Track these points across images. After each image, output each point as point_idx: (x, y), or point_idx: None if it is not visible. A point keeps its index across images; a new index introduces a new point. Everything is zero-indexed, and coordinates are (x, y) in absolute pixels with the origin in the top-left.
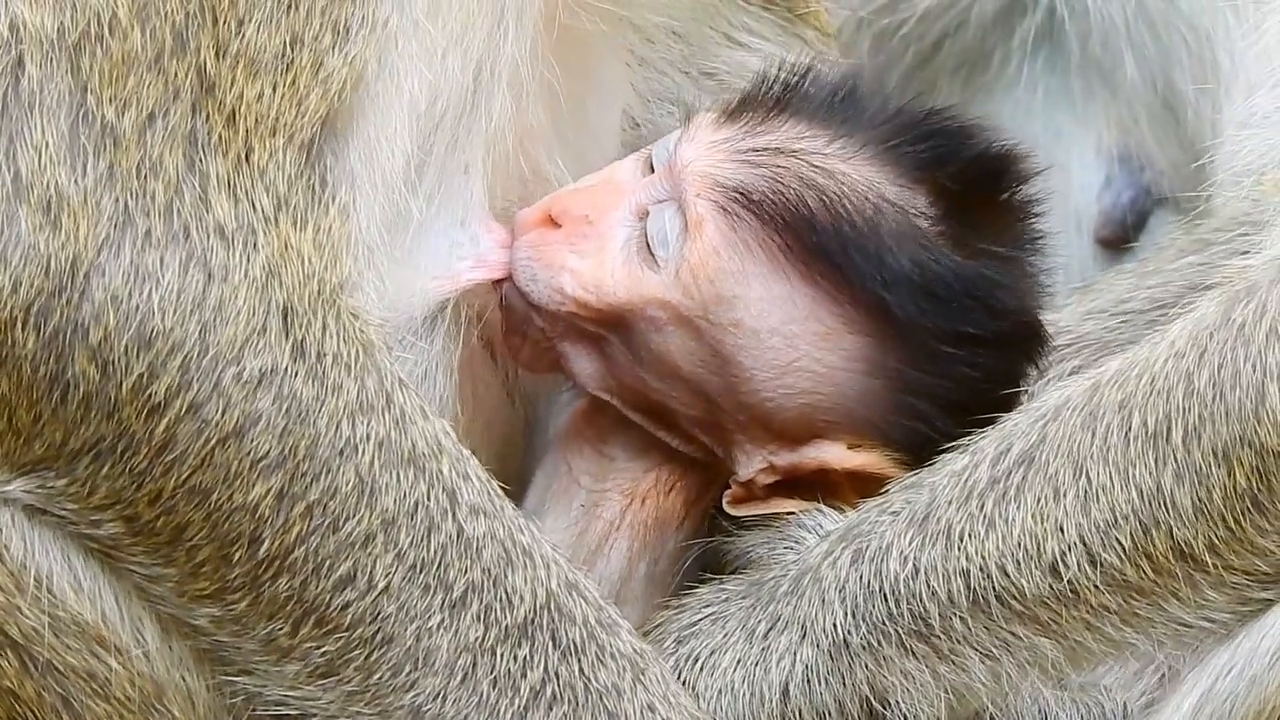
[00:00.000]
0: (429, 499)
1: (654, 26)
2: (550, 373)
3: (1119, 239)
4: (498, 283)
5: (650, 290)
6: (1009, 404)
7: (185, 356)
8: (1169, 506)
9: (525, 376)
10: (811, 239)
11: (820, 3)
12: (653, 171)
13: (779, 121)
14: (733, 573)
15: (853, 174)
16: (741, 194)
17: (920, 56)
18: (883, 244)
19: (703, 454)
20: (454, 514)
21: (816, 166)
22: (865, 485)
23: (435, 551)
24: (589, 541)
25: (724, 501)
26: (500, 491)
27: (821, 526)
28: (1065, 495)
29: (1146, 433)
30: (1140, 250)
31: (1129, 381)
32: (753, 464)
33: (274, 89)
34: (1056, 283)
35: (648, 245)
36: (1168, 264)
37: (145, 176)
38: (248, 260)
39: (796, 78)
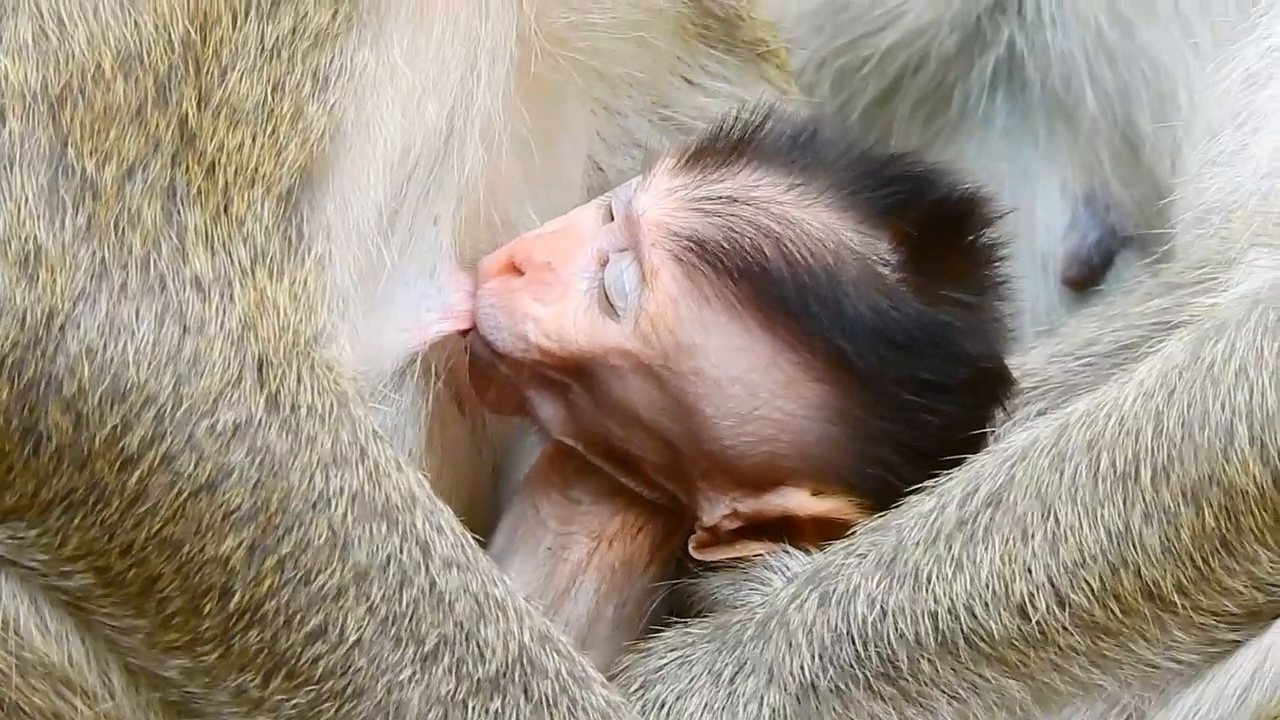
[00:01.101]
0: (402, 552)
1: (618, 75)
2: (517, 415)
3: (1086, 280)
4: (463, 333)
5: (611, 339)
6: (976, 446)
7: (159, 409)
8: (1137, 547)
9: (493, 427)
10: (768, 288)
11: (780, 42)
12: (613, 219)
13: (736, 168)
14: (699, 615)
15: (811, 221)
16: (696, 243)
17: (881, 95)
18: (841, 292)
19: (667, 500)
20: (427, 567)
21: (773, 214)
22: (830, 530)
23: (408, 605)
24: (556, 584)
25: (690, 547)
26: (473, 543)
27: (788, 568)
28: (1033, 536)
29: (1115, 473)
30: (1107, 291)
31: (1097, 421)
32: (717, 510)
33: (254, 139)
34: (1022, 325)
35: (606, 295)
36: (1133, 307)
37: (123, 229)
38: (224, 313)
39: (755, 122)
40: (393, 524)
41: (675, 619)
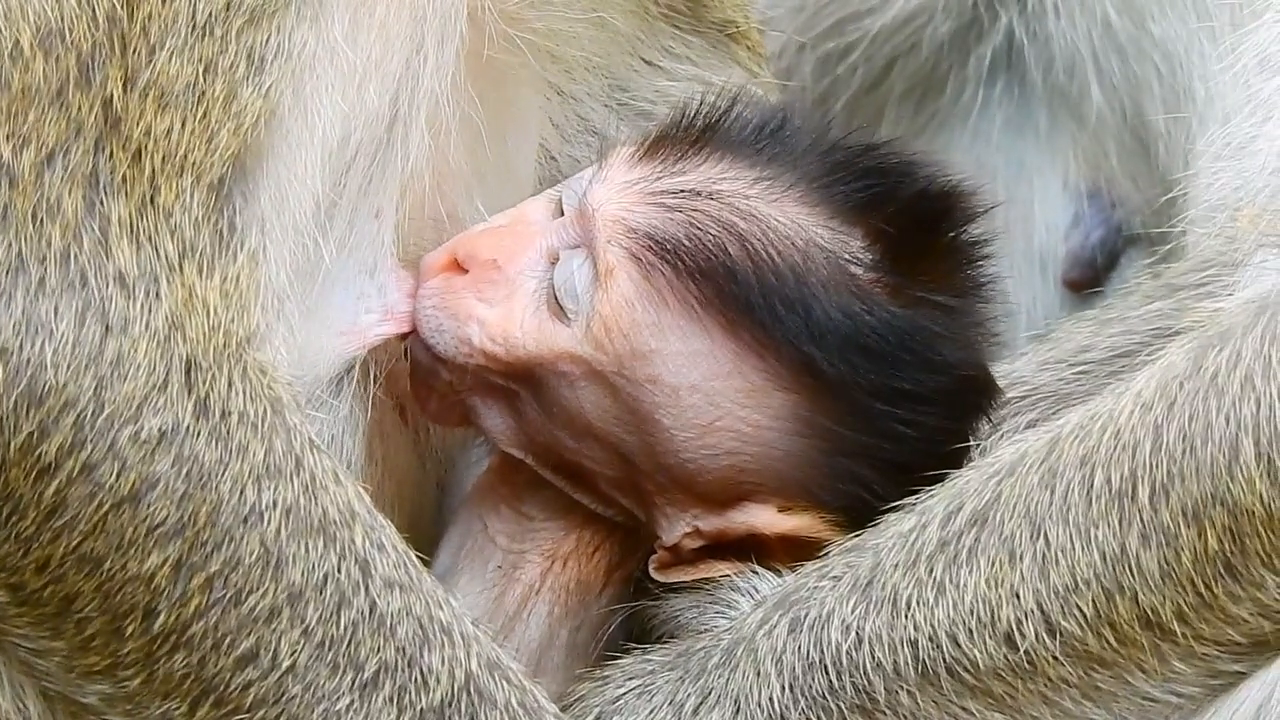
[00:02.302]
0: (340, 571)
1: (574, 57)
2: (461, 426)
3: (1088, 281)
4: (403, 336)
5: (560, 344)
6: (959, 461)
7: (79, 414)
8: (1134, 570)
9: (437, 438)
10: (731, 289)
11: (752, 23)
12: (563, 213)
13: (699, 158)
14: (659, 640)
15: (779, 216)
16: (655, 241)
17: (868, 82)
18: (810, 294)
19: (623, 517)
20: (367, 588)
21: (738, 209)
22: (801, 550)
23: (345, 628)
24: (507, 606)
25: (650, 567)
26: (418, 563)
27: (756, 591)
28: (1021, 558)
29: (1110, 490)
30: (1111, 294)
31: (1091, 435)
32: (677, 528)
33: (184, 124)
34: (1018, 330)
35: (556, 296)
36: (1132, 311)
37: (41, 220)
38: (149, 311)
39: (720, 109)
40: (330, 540)
41: (634, 645)
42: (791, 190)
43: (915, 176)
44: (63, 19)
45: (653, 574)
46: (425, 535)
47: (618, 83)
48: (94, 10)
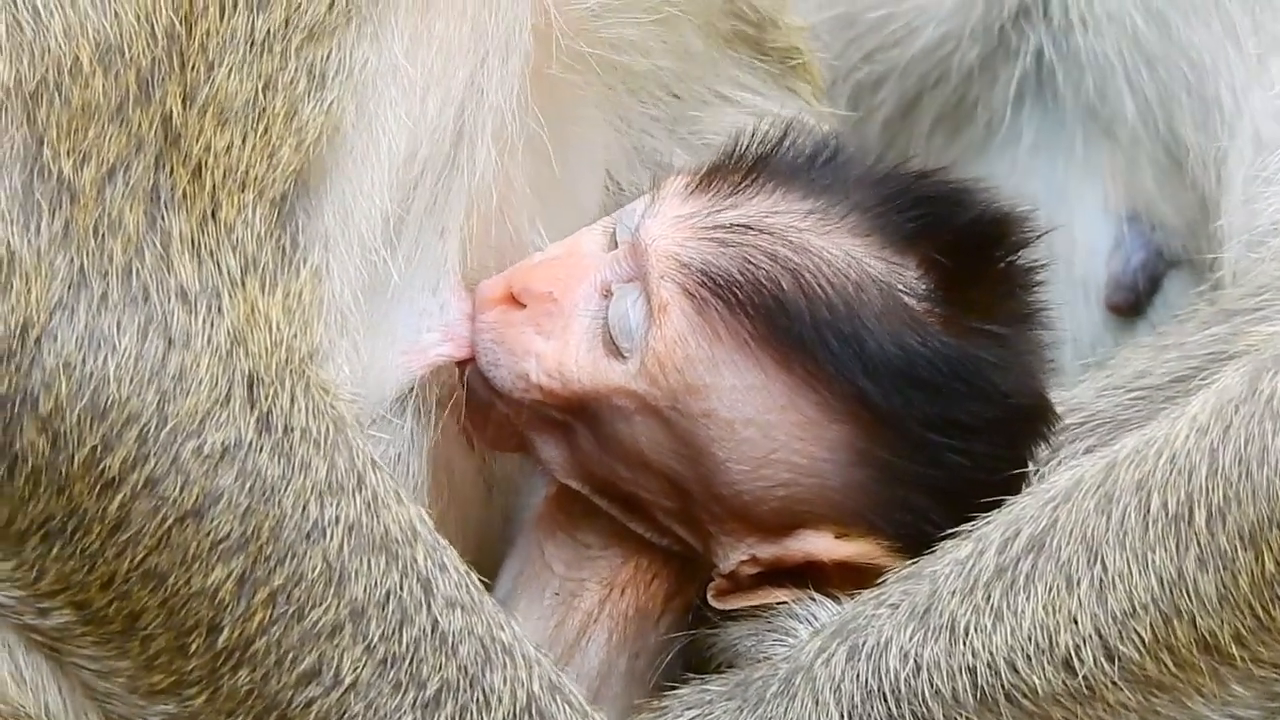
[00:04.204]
0: (402, 589)
1: (645, 77)
2: (517, 452)
3: (1131, 305)
4: (461, 364)
5: (615, 379)
6: (1015, 487)
7: (142, 428)
8: (1191, 595)
9: (503, 464)
10: (784, 323)
11: (812, 54)
12: (617, 245)
13: (751, 191)
14: (717, 668)
15: (831, 249)
16: (709, 276)
17: (900, 112)
18: (863, 326)
19: (679, 546)
20: (429, 606)
21: (790, 243)
22: (858, 576)
23: (408, 646)
24: (565, 634)
25: (708, 594)
26: (479, 584)
27: (815, 618)
28: (1079, 584)
29: (1167, 515)
30: (1154, 317)
31: (1147, 460)
32: (733, 557)
33: (244, 140)
34: (1065, 355)
35: (610, 332)
36: (1189, 336)
37: (103, 235)
38: (211, 326)
39: (772, 142)
40: (392, 558)
41: (692, 675)
42: (843, 221)
43: (968, 204)
44: (121, 36)
45: (710, 601)
46: (490, 563)
47: (684, 109)
48: (153, 27)
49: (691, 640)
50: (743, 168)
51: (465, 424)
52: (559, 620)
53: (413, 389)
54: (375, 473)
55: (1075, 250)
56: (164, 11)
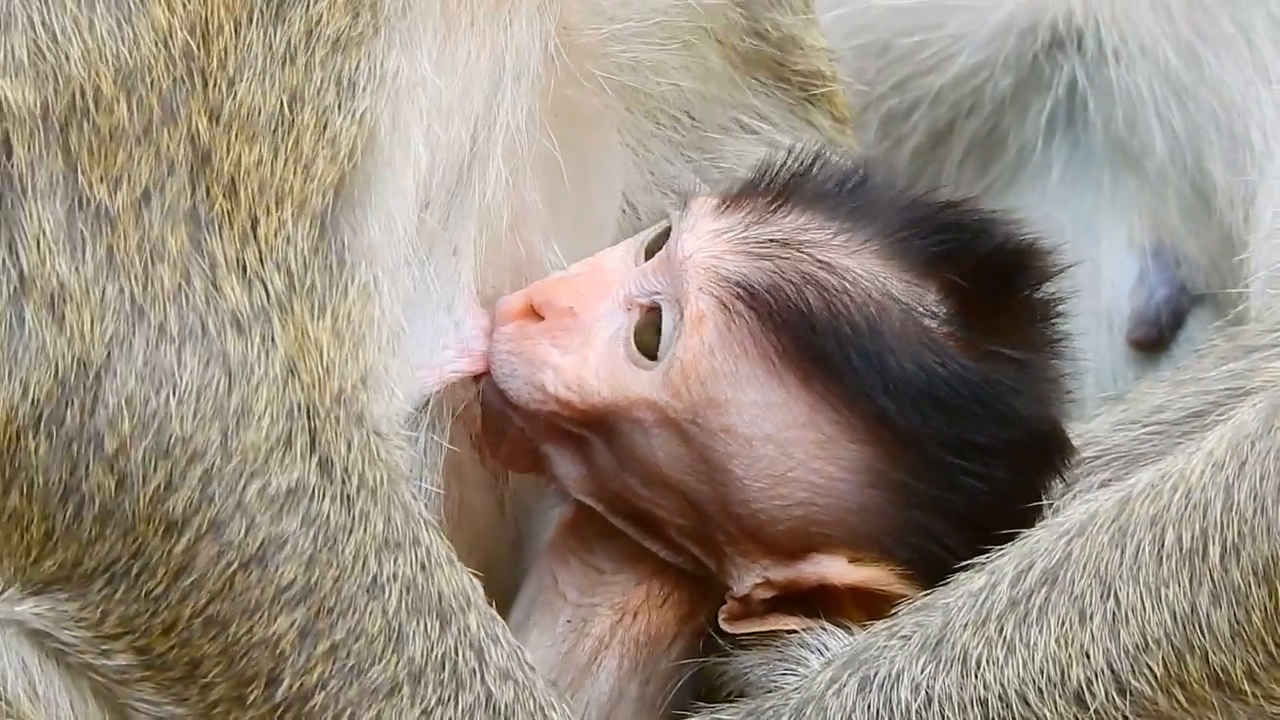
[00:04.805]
0: (457, 654)
1: (663, 98)
2: (531, 472)
3: (1154, 340)
4: (475, 378)
5: (636, 390)
6: (1030, 519)
7: (207, 467)
8: (1204, 630)
9: (518, 483)
10: (809, 339)
11: (835, 80)
12: (643, 261)
13: (783, 211)
14: (728, 697)
15: (857, 268)
16: (744, 289)
17: (931, 141)
18: (884, 346)
19: (693, 566)
20: (483, 675)
21: (819, 260)
22: (871, 604)
23: (463, 712)
24: (577, 660)
25: (720, 618)
26: (530, 660)
27: (826, 647)
28: (1092, 617)
29: (1181, 550)
30: (1177, 353)
31: (1162, 495)
32: (747, 579)
33: (275, 153)
34: (1087, 388)
35: (634, 343)
36: (1207, 372)
37: (148, 260)
38: (266, 356)
39: (804, 164)
40: (446, 623)
41: (702, 703)
42: (869, 244)
43: (991, 232)
44: (140, 58)
45: (722, 625)
46: (502, 587)
47: (701, 136)
48: (169, 48)
49: (702, 668)
50: (775, 189)
51: (479, 441)
52: (570, 647)
53: (427, 404)
54: (428, 532)
55: (1099, 283)
56: (179, 32)
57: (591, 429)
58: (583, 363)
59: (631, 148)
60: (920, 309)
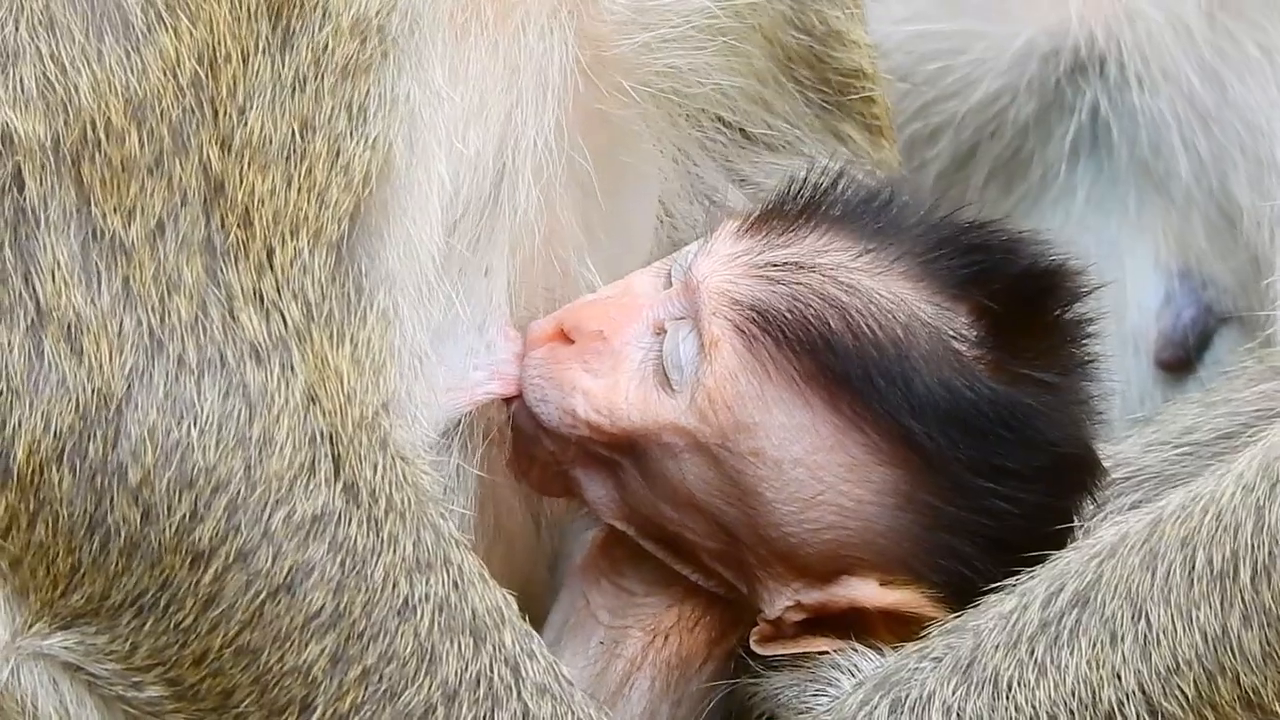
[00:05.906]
0: (492, 671)
1: (703, 100)
2: (562, 496)
3: (1181, 361)
4: (507, 401)
5: (665, 415)
6: (1061, 541)
7: (231, 497)
8: (1235, 651)
9: (553, 503)
10: (832, 362)
11: (877, 84)
12: (670, 285)
13: (805, 232)
14: (759, 718)
15: (882, 290)
16: (758, 313)
17: (954, 165)
18: (911, 368)
19: (725, 589)
20: (519, 692)
21: (840, 282)
22: (902, 626)
23: None
24: (609, 682)
25: (751, 640)
26: (568, 675)
27: (857, 669)
28: (1123, 639)
29: (1212, 572)
30: (1204, 374)
31: (1193, 516)
32: (778, 602)
33: (288, 182)
34: (1114, 409)
35: (662, 366)
36: (1237, 393)
37: (165, 292)
38: (287, 385)
39: (827, 184)
40: (480, 640)
41: None
42: (896, 264)
43: (1021, 254)
44: (149, 88)
45: (754, 647)
46: (538, 607)
47: (741, 137)
48: (177, 78)
49: (733, 690)
50: (796, 209)
51: (511, 465)
52: (603, 668)
53: (459, 425)
54: (459, 550)
55: (1126, 305)
56: (187, 61)
57: (622, 453)
58: (613, 387)
59: (671, 155)
60: (948, 331)
